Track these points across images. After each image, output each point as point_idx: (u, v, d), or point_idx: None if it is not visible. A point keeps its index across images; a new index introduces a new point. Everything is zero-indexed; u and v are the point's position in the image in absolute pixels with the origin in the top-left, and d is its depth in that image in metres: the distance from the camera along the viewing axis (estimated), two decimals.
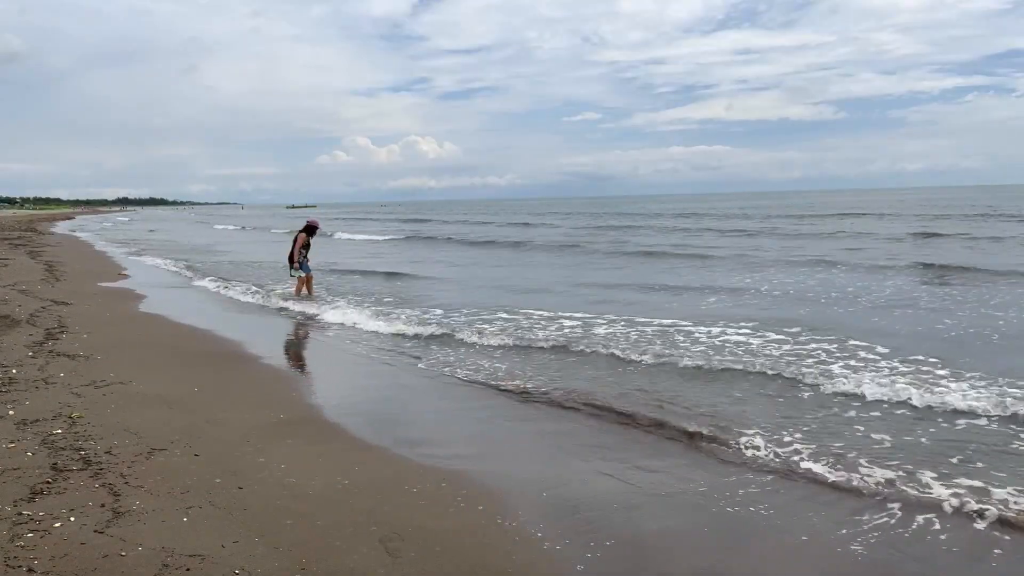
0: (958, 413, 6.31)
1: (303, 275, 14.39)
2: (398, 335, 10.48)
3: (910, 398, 6.68)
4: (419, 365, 8.68)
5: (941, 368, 7.73)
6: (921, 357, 8.22)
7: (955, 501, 4.60)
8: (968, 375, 7.40)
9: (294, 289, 14.54)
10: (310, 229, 14.33)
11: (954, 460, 5.29)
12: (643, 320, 10.98)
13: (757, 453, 5.51)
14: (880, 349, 8.68)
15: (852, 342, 9.11)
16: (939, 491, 4.75)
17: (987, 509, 4.47)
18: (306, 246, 14.28)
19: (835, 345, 9.01)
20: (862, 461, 5.28)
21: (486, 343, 9.72)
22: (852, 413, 6.45)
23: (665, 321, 10.87)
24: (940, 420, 6.20)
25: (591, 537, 4.22)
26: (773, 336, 9.65)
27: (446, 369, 8.43)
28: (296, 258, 14.10)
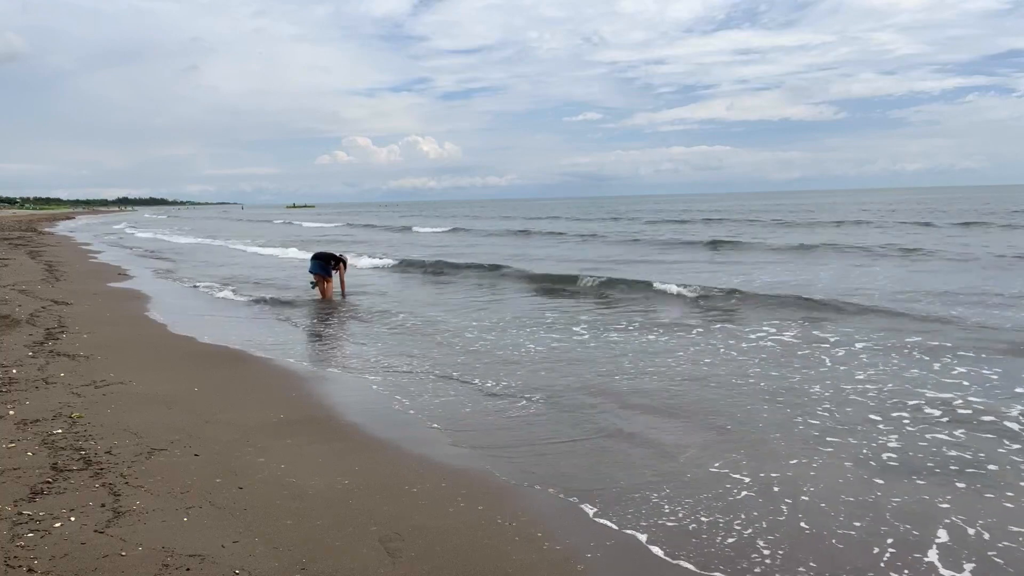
0: None
1: (327, 277, 14.91)
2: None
3: None
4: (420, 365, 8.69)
5: None
6: None
7: None
8: None
9: (319, 293, 14.86)
10: (344, 262, 15.73)
11: None
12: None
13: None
14: None
15: None
16: None
17: None
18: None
19: None
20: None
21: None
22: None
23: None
24: None
25: (591, 537, 4.22)
26: None
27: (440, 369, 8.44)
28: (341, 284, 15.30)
